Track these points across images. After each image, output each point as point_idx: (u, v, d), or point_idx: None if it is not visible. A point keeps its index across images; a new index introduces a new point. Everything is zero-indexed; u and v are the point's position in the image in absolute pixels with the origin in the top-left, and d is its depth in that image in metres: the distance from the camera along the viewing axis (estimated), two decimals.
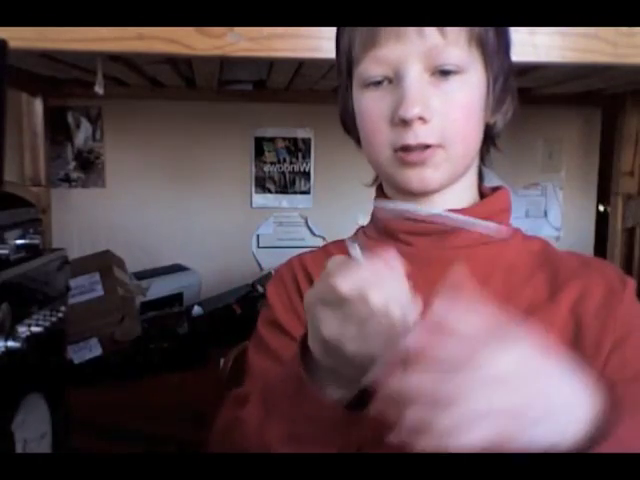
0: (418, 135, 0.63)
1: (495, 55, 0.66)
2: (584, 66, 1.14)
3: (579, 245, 2.04)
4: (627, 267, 1.93)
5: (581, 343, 0.66)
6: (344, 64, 0.68)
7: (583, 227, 2.07)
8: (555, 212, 2.06)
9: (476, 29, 0.63)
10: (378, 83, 0.65)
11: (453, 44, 0.62)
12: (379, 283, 0.50)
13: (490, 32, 0.65)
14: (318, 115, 1.91)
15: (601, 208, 2.04)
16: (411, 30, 0.62)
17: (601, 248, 2.01)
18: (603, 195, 2.02)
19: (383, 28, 0.62)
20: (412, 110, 0.62)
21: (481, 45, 0.64)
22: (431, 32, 0.62)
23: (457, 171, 0.67)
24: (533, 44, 1.01)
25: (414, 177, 0.65)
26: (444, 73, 0.63)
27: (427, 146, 0.64)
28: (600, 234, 2.03)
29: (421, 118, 0.62)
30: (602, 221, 2.02)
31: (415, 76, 0.62)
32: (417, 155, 0.64)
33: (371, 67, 0.64)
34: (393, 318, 0.49)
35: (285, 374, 0.59)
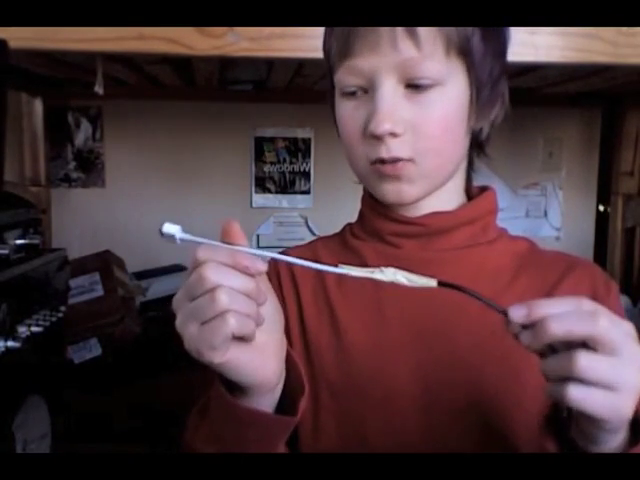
0: (390, 149, 0.62)
1: (481, 62, 0.64)
2: (584, 66, 1.14)
3: (579, 245, 2.04)
4: (627, 267, 1.93)
5: None
6: (327, 69, 0.69)
7: (583, 227, 2.07)
8: (555, 212, 2.06)
9: (455, 38, 0.61)
10: (353, 93, 0.64)
11: (429, 57, 0.60)
12: (222, 269, 0.49)
13: (475, 38, 0.62)
14: (318, 115, 1.91)
15: (601, 208, 2.03)
16: (385, 42, 0.60)
17: (601, 248, 2.01)
18: (603, 195, 2.02)
19: (359, 38, 0.61)
20: (382, 126, 0.61)
21: (463, 54, 0.62)
22: (405, 45, 0.60)
23: (434, 184, 0.67)
24: (533, 44, 1.01)
25: (391, 190, 0.65)
26: (419, 86, 0.61)
27: (398, 159, 0.63)
28: (600, 234, 2.03)
29: (392, 133, 0.61)
30: (602, 221, 2.02)
31: (388, 89, 0.61)
32: (391, 168, 0.63)
33: (346, 76, 0.63)
34: (218, 303, 0.48)
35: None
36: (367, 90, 0.63)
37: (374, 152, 0.63)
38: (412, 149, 0.62)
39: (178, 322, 0.51)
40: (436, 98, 0.62)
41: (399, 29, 0.60)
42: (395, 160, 0.63)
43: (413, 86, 0.62)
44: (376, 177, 0.65)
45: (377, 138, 0.62)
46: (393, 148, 0.62)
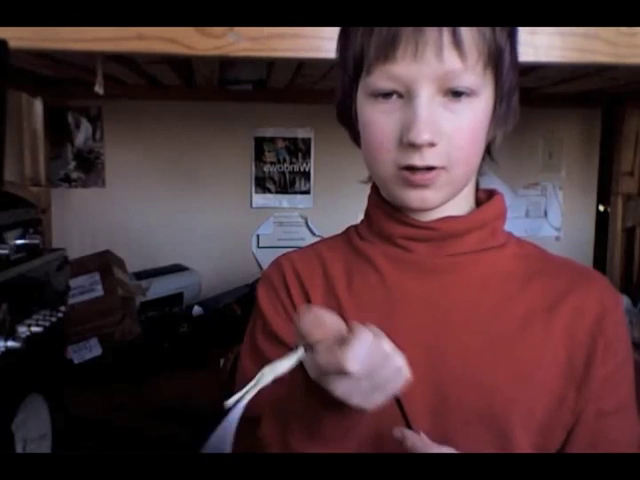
0: (425, 157, 0.62)
1: (506, 75, 0.65)
2: (584, 66, 1.14)
3: (579, 245, 2.04)
4: (627, 267, 1.93)
5: (573, 361, 0.67)
6: (351, 67, 0.66)
7: (583, 227, 2.07)
8: (555, 212, 2.06)
9: (493, 51, 0.62)
10: (387, 95, 0.63)
11: (471, 69, 0.61)
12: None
13: (506, 51, 0.64)
14: (318, 115, 1.91)
15: (601, 208, 2.04)
16: (430, 51, 0.60)
17: (601, 248, 2.01)
18: (603, 195, 2.02)
19: (402, 44, 0.60)
20: (423, 136, 0.60)
21: (496, 68, 0.63)
22: (450, 55, 0.60)
23: (457, 190, 0.67)
24: (533, 44, 1.01)
25: (415, 197, 0.65)
26: (456, 94, 0.62)
27: (432, 168, 0.63)
28: (600, 234, 2.03)
29: (430, 143, 0.61)
30: (602, 221, 2.02)
31: (427, 98, 0.61)
32: (421, 176, 0.63)
33: (382, 81, 0.62)
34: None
35: (294, 395, 0.58)
36: (402, 95, 0.62)
37: (406, 159, 0.63)
38: (445, 158, 0.63)
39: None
40: (470, 109, 0.63)
41: (446, 40, 0.60)
42: (428, 168, 0.62)
43: (450, 94, 0.62)
44: (401, 183, 0.65)
45: (414, 147, 0.61)
46: (428, 157, 0.62)
